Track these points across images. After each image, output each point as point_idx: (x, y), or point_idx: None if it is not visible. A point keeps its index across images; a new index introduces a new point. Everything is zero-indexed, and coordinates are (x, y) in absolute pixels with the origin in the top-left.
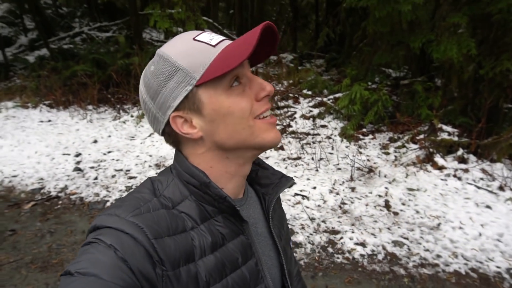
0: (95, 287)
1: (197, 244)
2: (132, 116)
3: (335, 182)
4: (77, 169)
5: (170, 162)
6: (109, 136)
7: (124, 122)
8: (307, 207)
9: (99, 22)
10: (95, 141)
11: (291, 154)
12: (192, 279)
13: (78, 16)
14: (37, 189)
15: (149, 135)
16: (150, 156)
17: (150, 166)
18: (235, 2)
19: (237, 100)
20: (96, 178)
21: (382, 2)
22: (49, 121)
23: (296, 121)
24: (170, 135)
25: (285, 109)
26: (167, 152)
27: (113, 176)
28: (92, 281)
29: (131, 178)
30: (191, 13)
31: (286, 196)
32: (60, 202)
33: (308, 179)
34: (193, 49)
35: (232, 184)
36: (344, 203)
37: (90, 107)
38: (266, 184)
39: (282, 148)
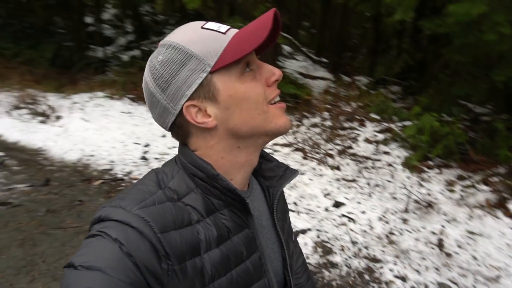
0: (99, 282)
1: (203, 237)
2: None
3: (387, 211)
4: (143, 158)
5: None
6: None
7: None
8: (352, 230)
9: None
10: (164, 136)
11: (347, 175)
12: (198, 273)
13: (170, 24)
14: (107, 169)
15: None
16: None
17: None
18: (317, 21)
19: (251, 85)
20: None
21: (465, 29)
22: (129, 112)
23: (358, 144)
24: (181, 127)
25: (349, 130)
26: None
27: None
28: (96, 276)
29: None
30: None
31: (332, 215)
32: (123, 184)
33: (358, 202)
34: (204, 36)
35: (241, 175)
36: (392, 233)
37: None
38: (271, 176)
39: (338, 168)
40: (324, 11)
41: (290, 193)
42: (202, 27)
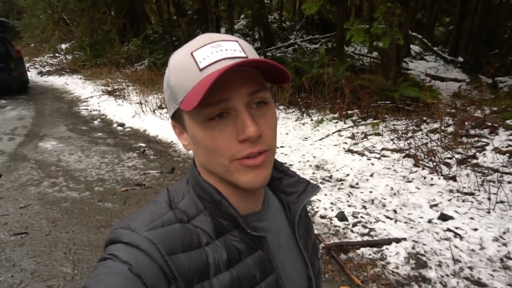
0: None
1: (212, 261)
2: (312, 120)
3: (508, 231)
4: None
5: (330, 166)
6: (287, 134)
7: (303, 124)
8: (456, 247)
9: (311, 35)
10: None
11: (463, 187)
12: None
13: (297, 30)
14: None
15: (320, 139)
16: (314, 157)
17: (310, 166)
18: (455, 16)
19: (213, 136)
20: None
21: None
22: None
23: (485, 154)
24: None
25: (476, 138)
26: (330, 157)
27: None
28: None
29: None
30: (388, 28)
31: (435, 228)
32: None
33: (471, 218)
34: (185, 66)
35: (243, 202)
36: (509, 258)
37: (281, 107)
38: (291, 192)
39: (454, 178)
40: (463, 2)
41: (391, 200)
42: (192, 53)
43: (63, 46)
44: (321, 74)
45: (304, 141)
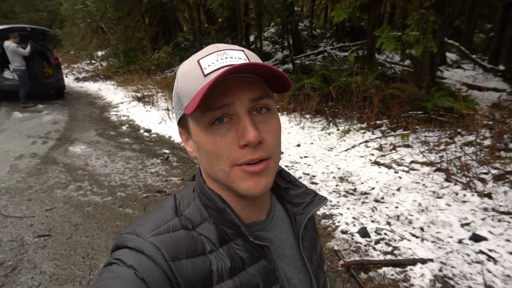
0: None
1: (215, 268)
2: (338, 130)
3: None
4: None
5: (355, 178)
6: (311, 143)
7: (329, 134)
8: (489, 271)
9: (341, 43)
10: (298, 145)
11: (499, 206)
12: None
13: (327, 37)
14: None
15: (346, 150)
16: (338, 168)
17: (334, 177)
18: (496, 22)
19: (215, 140)
20: None
21: None
22: None
23: None
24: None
25: None
26: (355, 169)
27: (300, 177)
28: None
29: (313, 183)
30: (421, 36)
31: (466, 250)
32: None
33: (508, 240)
34: (191, 72)
35: (246, 211)
36: None
37: (307, 116)
38: (298, 203)
39: (489, 196)
40: (505, 8)
41: (418, 217)
42: (198, 60)
43: (99, 53)
44: (349, 83)
45: (329, 152)
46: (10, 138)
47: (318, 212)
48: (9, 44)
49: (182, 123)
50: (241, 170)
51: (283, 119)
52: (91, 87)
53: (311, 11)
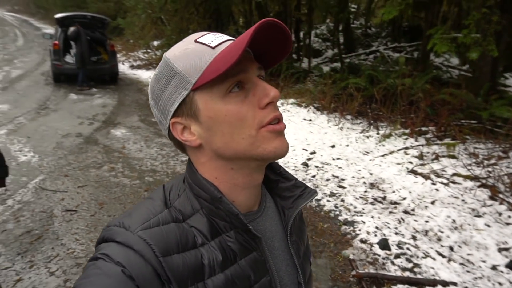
0: None
1: (206, 262)
2: (378, 133)
3: None
4: (305, 164)
5: (386, 186)
6: (347, 146)
7: (367, 137)
8: None
9: (396, 43)
10: (333, 146)
11: None
12: None
13: (382, 37)
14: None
15: (383, 155)
16: (371, 174)
17: (364, 183)
18: None
19: (236, 107)
20: (313, 176)
21: None
22: (310, 120)
23: None
24: (174, 141)
25: None
26: (388, 176)
27: (328, 179)
28: None
29: (340, 187)
30: (480, 38)
31: (499, 278)
32: None
33: None
34: (192, 51)
35: (243, 196)
36: None
37: (348, 117)
38: (287, 196)
39: None
40: None
41: (449, 234)
42: (196, 40)
43: (155, 43)
44: (396, 85)
45: (364, 156)
46: (62, 117)
47: (340, 218)
48: (71, 31)
49: (179, 111)
50: (267, 130)
51: (322, 118)
52: (143, 75)
53: (368, 9)
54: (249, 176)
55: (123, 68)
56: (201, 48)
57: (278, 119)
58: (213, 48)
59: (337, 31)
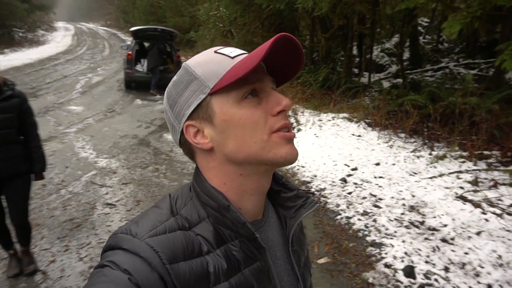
0: None
1: (212, 270)
2: (431, 154)
3: None
4: (343, 180)
5: (428, 210)
6: (393, 164)
7: (418, 157)
8: None
9: (470, 59)
10: (377, 164)
11: None
12: None
13: (455, 52)
14: (307, 181)
15: (431, 177)
16: (413, 196)
17: (403, 205)
18: None
19: (249, 112)
20: (350, 193)
21: None
22: (359, 136)
23: None
24: (185, 145)
25: None
26: (432, 200)
27: (364, 198)
28: None
29: (375, 206)
30: None
31: None
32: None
33: None
34: (212, 60)
35: (251, 204)
36: None
37: (402, 135)
38: (289, 206)
39: None
40: None
41: (491, 271)
42: (215, 51)
43: None
44: (457, 104)
45: (410, 176)
46: (124, 120)
47: (368, 238)
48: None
49: (194, 114)
50: (278, 136)
51: (372, 134)
52: None
53: (431, 22)
54: (257, 182)
55: None
56: (221, 58)
57: (288, 128)
58: (232, 58)
59: (401, 46)
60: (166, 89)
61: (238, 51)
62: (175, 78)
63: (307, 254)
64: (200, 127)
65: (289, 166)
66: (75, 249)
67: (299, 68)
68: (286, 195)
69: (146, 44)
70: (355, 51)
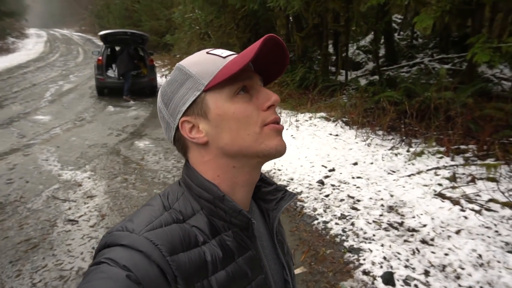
0: None
1: (209, 259)
2: (408, 151)
3: None
4: (320, 182)
5: (406, 210)
6: (371, 163)
7: (396, 155)
8: None
9: (444, 54)
10: (355, 164)
11: None
12: None
13: (429, 48)
14: (283, 185)
15: (409, 175)
16: (391, 196)
17: (382, 205)
18: None
19: (242, 106)
20: (327, 196)
21: None
22: (336, 135)
23: None
24: (180, 141)
25: None
26: (411, 199)
27: (342, 200)
28: None
29: (354, 209)
30: None
31: None
32: None
33: None
34: (205, 60)
35: (241, 195)
36: None
37: (380, 132)
38: (270, 199)
39: None
40: None
41: (471, 272)
42: (207, 52)
43: None
44: (431, 98)
45: (388, 175)
46: (94, 128)
47: (346, 244)
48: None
49: (190, 110)
50: (269, 128)
51: (350, 133)
52: None
53: (412, 19)
54: (249, 174)
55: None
56: (213, 58)
57: (278, 121)
58: (224, 57)
59: (376, 43)
60: (160, 88)
61: (228, 52)
62: (169, 77)
63: (287, 244)
64: (195, 122)
65: (266, 169)
66: (28, 273)
67: (283, 69)
68: (266, 189)
69: (118, 49)
70: (331, 50)
